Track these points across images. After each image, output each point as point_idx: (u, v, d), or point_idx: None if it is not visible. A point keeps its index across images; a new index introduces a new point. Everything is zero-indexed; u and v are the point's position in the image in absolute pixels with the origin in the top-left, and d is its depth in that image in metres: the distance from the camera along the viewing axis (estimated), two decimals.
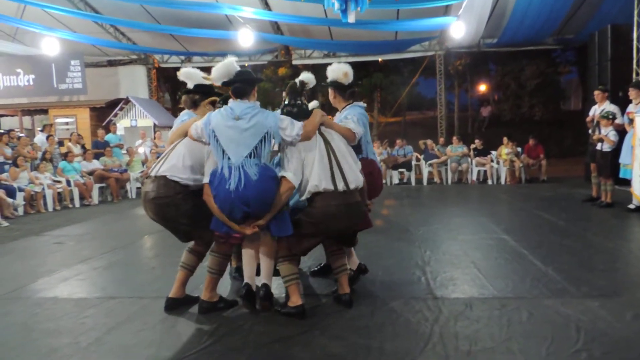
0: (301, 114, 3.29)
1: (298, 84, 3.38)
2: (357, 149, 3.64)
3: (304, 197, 3.22)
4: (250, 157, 3.07)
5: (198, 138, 3.23)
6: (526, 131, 14.19)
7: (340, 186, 3.13)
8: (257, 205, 3.04)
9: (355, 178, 3.23)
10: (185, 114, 3.64)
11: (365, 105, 3.88)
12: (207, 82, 3.51)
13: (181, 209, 3.18)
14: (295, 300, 3.18)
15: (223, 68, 3.17)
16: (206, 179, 3.15)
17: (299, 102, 3.35)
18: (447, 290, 3.66)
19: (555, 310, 3.15)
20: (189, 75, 3.62)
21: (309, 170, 3.16)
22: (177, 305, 3.41)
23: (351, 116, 3.58)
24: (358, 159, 3.49)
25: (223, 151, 3.09)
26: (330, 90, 3.84)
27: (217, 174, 3.09)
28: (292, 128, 3.14)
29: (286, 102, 3.38)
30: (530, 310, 3.16)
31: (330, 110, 3.85)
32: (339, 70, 3.70)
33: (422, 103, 31.54)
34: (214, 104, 3.61)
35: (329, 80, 3.78)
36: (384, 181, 11.81)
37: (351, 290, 3.46)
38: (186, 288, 3.50)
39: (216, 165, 3.13)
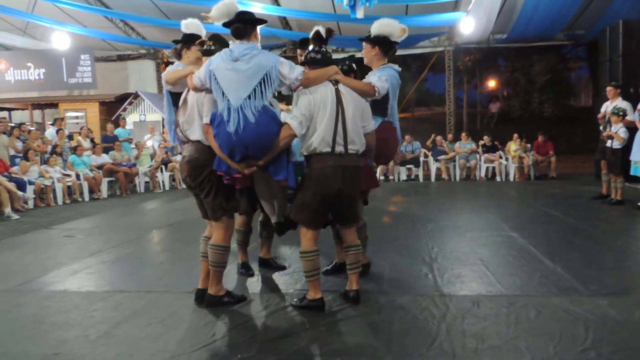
0: (324, 62, 3.18)
1: (324, 31, 3.26)
2: (383, 111, 3.53)
3: (302, 152, 3.18)
4: (249, 98, 2.98)
5: (202, 86, 3.13)
6: (535, 127, 14.10)
7: (339, 149, 3.07)
8: (255, 149, 3.00)
9: (358, 142, 3.15)
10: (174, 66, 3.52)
11: (399, 69, 3.68)
12: (195, 32, 3.48)
13: (213, 174, 3.20)
14: (314, 294, 3.20)
15: (223, 7, 3.12)
16: (206, 120, 3.11)
17: (324, 49, 3.22)
18: (455, 287, 3.65)
19: (564, 309, 3.14)
20: (186, 25, 3.55)
21: (314, 128, 3.08)
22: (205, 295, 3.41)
23: (379, 74, 3.43)
24: (379, 121, 3.44)
25: (223, 93, 3.01)
26: (369, 46, 3.60)
27: (217, 115, 3.04)
28: (291, 71, 3.02)
29: (310, 49, 3.26)
30: (538, 308, 3.15)
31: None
32: (393, 25, 3.47)
33: (430, 99, 31.37)
34: (203, 45, 3.47)
35: (375, 34, 3.55)
36: (391, 177, 11.83)
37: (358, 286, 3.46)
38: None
39: (216, 105, 3.09)
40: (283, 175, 3.11)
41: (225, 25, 3.14)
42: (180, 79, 3.30)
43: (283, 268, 4.24)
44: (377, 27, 3.58)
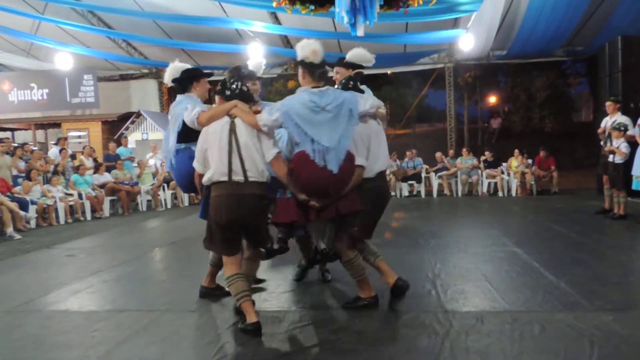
0: (232, 97, 3.30)
1: (242, 68, 3.60)
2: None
3: (205, 182, 3.29)
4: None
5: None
6: (536, 143, 14.10)
7: (236, 177, 3.13)
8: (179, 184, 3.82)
9: (255, 170, 3.17)
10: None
11: (315, 90, 3.49)
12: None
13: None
14: (251, 318, 3.15)
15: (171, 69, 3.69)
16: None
17: (235, 85, 3.34)
18: (458, 303, 3.62)
19: (568, 324, 3.11)
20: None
21: (210, 159, 3.22)
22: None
23: (268, 108, 3.35)
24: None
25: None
26: (299, 70, 3.48)
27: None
28: (189, 113, 3.37)
29: (226, 81, 3.39)
30: (543, 324, 3.12)
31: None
32: (307, 47, 3.37)
33: (431, 115, 31.47)
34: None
35: (298, 58, 3.47)
36: (392, 193, 11.82)
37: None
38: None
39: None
40: (201, 215, 3.60)
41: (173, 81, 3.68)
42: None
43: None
44: (297, 50, 3.45)
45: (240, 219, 3.18)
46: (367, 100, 3.40)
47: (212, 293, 3.98)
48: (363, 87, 3.78)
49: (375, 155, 3.48)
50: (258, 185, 3.20)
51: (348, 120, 3.27)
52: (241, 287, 3.21)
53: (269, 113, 3.19)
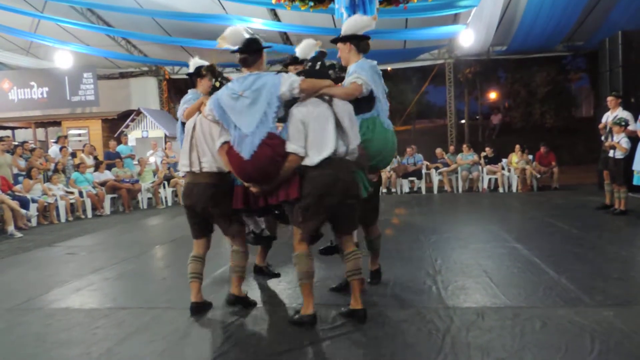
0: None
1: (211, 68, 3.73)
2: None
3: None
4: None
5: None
6: (537, 139, 14.10)
7: (194, 168, 3.45)
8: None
9: (206, 161, 3.41)
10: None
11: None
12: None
13: None
14: (192, 297, 3.56)
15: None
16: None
17: (220, 79, 3.49)
18: (459, 299, 3.62)
19: (569, 320, 3.11)
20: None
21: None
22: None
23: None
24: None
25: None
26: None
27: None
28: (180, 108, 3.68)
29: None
30: (544, 319, 3.12)
31: None
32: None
33: (431, 111, 31.45)
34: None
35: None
36: (393, 190, 11.82)
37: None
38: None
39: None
40: None
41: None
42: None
43: (277, 275, 4.39)
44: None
45: (196, 206, 3.47)
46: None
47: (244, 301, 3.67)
48: (361, 61, 3.58)
49: (317, 141, 3.11)
50: (210, 174, 3.43)
51: (268, 105, 3.10)
52: (192, 268, 3.55)
53: (208, 104, 3.34)
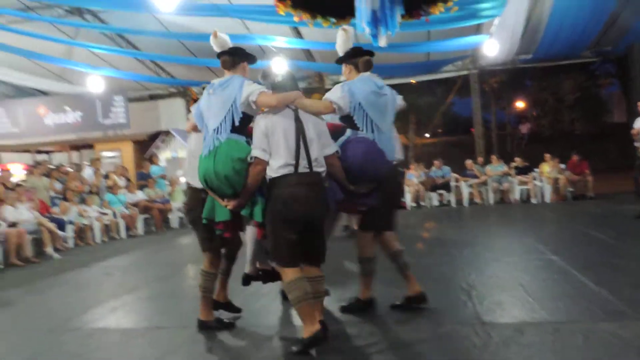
0: None
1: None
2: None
3: None
4: None
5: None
6: (567, 146, 13.81)
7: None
8: None
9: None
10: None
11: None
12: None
13: None
14: None
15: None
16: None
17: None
18: (495, 314, 3.55)
19: (613, 334, 3.00)
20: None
21: None
22: None
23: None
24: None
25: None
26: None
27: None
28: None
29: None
30: (586, 334, 3.03)
31: None
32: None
33: (458, 123, 31.21)
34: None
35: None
36: (422, 203, 11.69)
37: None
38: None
39: None
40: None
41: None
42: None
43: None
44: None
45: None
46: (246, 90, 3.13)
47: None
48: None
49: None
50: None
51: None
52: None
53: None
